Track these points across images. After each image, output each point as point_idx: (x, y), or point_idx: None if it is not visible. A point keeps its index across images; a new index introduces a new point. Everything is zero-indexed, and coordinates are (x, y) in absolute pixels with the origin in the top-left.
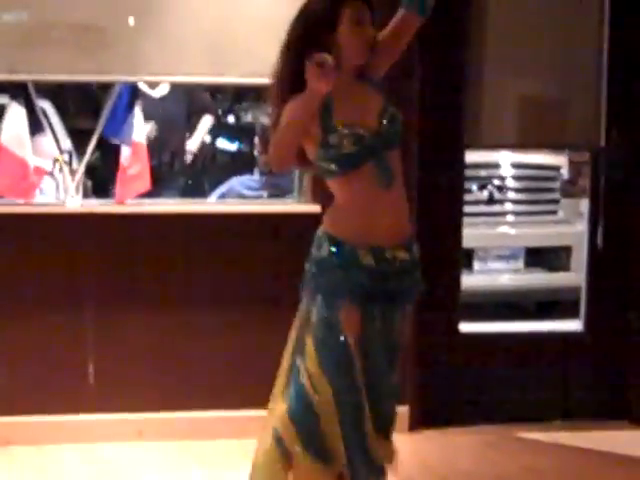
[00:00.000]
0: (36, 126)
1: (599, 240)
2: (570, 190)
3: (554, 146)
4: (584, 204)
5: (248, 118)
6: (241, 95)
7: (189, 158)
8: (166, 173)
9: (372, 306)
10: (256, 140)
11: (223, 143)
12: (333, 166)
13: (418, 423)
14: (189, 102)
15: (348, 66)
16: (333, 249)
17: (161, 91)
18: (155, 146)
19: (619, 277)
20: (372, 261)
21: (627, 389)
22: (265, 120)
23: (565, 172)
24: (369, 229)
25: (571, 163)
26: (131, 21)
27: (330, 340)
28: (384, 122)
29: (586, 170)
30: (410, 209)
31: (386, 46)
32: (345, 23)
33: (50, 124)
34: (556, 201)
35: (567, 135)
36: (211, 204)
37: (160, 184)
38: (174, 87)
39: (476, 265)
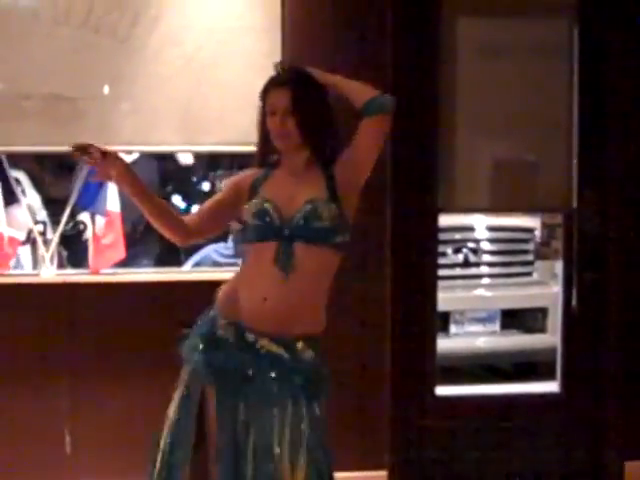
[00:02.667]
0: (10, 197)
1: (574, 301)
2: (544, 252)
3: (527, 209)
4: (559, 265)
5: (223, 186)
6: (215, 162)
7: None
8: (140, 241)
9: (225, 387)
10: None
11: None
12: (244, 235)
13: None
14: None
15: (288, 154)
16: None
17: (132, 156)
18: (128, 214)
19: (594, 338)
20: (231, 336)
21: (603, 450)
22: None
23: (539, 234)
24: (242, 304)
25: (544, 225)
26: (106, 90)
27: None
28: (298, 214)
29: (559, 232)
30: (383, 273)
31: (358, 151)
32: (266, 112)
33: (24, 195)
34: (531, 263)
35: (540, 197)
36: (186, 272)
37: (135, 253)
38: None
39: (452, 328)
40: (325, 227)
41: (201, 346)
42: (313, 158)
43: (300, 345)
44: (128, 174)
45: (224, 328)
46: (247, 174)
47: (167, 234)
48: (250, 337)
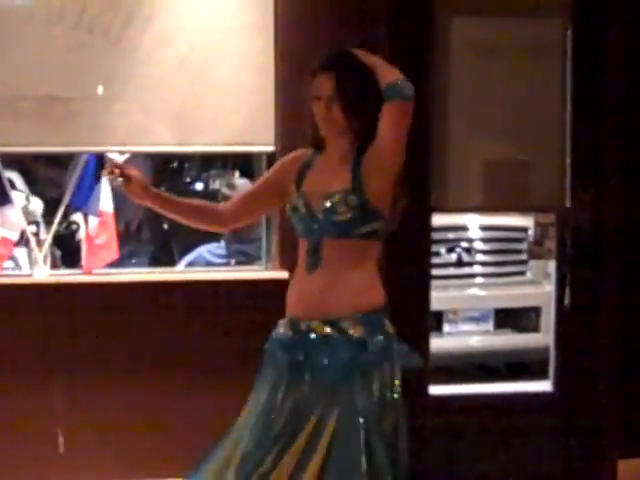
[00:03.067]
0: (3, 197)
1: (567, 300)
2: (537, 251)
3: (520, 208)
4: (552, 265)
5: (216, 185)
6: (209, 162)
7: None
8: (134, 241)
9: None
10: None
11: None
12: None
13: None
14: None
15: (329, 141)
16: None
17: (124, 157)
18: (121, 214)
19: (587, 337)
20: (289, 331)
21: (597, 449)
22: (226, 190)
23: (532, 233)
24: (291, 298)
25: (538, 224)
26: (99, 90)
27: None
28: (322, 208)
29: (553, 231)
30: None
31: (380, 138)
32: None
33: (18, 195)
34: (524, 262)
35: (533, 197)
36: (178, 272)
37: (128, 253)
38: None
39: (446, 327)
40: (344, 220)
41: (267, 347)
42: (353, 144)
43: (346, 323)
44: (147, 194)
45: (284, 326)
46: (297, 155)
47: (207, 229)
48: (303, 326)
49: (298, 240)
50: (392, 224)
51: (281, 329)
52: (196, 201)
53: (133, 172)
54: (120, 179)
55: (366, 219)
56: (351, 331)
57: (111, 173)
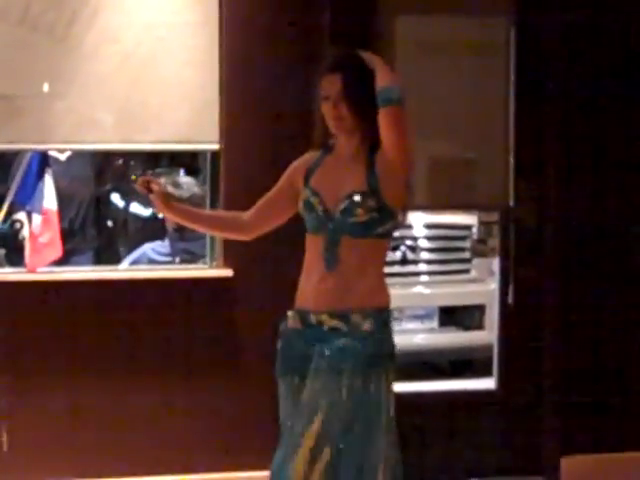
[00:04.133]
0: None
1: (510, 298)
2: (481, 249)
3: (464, 207)
4: (496, 263)
5: (162, 183)
6: (155, 159)
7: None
8: (78, 239)
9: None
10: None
11: (137, 208)
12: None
13: None
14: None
15: (340, 139)
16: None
17: (67, 153)
18: (65, 211)
19: (530, 334)
20: (298, 324)
21: (539, 446)
22: (171, 188)
23: (476, 231)
24: (303, 292)
25: (481, 223)
26: (44, 88)
27: None
28: (339, 208)
29: (496, 229)
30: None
31: (384, 145)
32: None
33: None
34: (468, 260)
35: (477, 195)
36: (122, 270)
37: (72, 250)
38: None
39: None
40: (361, 222)
41: (280, 344)
42: (364, 144)
43: (355, 317)
44: (169, 209)
45: (293, 318)
46: (304, 159)
47: (231, 237)
48: (312, 318)
49: (307, 235)
50: (402, 222)
51: (290, 321)
52: (220, 212)
53: (159, 188)
54: (146, 191)
55: (382, 220)
56: (360, 324)
57: (143, 187)
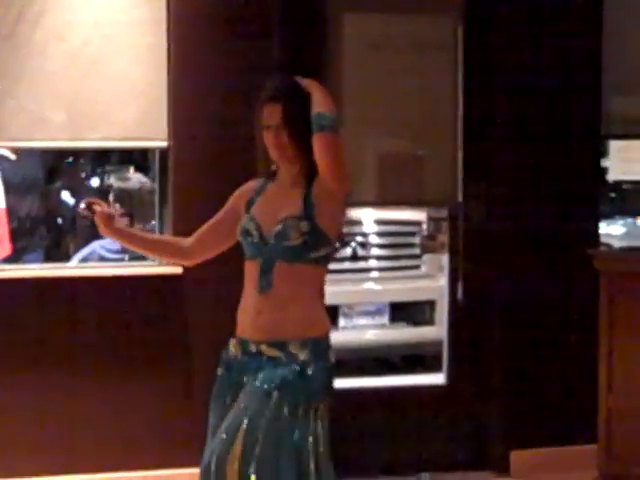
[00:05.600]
0: None
1: (459, 294)
2: (431, 245)
3: (413, 203)
4: (446, 259)
5: (111, 181)
6: (105, 157)
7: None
8: (28, 237)
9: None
10: (112, 204)
11: None
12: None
13: None
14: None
15: (281, 166)
16: None
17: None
18: (15, 209)
19: (479, 330)
20: (239, 353)
21: (489, 440)
22: (120, 183)
23: (425, 227)
24: (241, 321)
25: (431, 219)
26: None
27: None
28: (273, 233)
29: (445, 225)
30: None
31: (320, 169)
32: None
33: None
34: (418, 256)
35: (426, 191)
36: (71, 268)
37: (21, 248)
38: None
39: (341, 322)
40: (294, 246)
41: (220, 372)
42: (303, 171)
43: (293, 346)
44: (111, 230)
45: (234, 346)
46: (247, 187)
47: (171, 262)
48: (252, 348)
49: (245, 262)
50: (337, 248)
51: (232, 349)
52: (163, 237)
53: (101, 209)
54: (89, 214)
55: (316, 245)
56: (297, 354)
57: (87, 209)
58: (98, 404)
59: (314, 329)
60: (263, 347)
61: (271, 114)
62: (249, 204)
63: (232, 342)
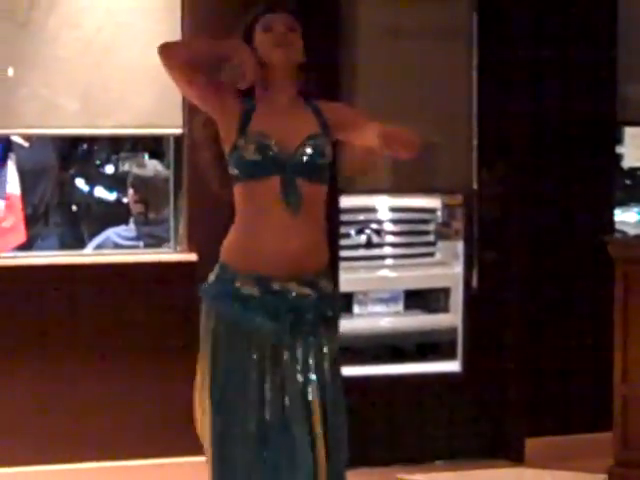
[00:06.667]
0: None
1: (474, 281)
2: (445, 232)
3: (428, 190)
4: (460, 246)
5: (126, 168)
6: (119, 144)
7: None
8: (42, 224)
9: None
10: (130, 190)
11: (101, 193)
12: (236, 171)
13: None
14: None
15: (278, 82)
16: (211, 277)
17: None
18: (29, 196)
19: (494, 317)
20: (255, 291)
21: (504, 427)
22: (136, 170)
23: (440, 215)
24: (258, 253)
25: (445, 206)
26: (5, 73)
27: None
28: (301, 149)
29: (460, 212)
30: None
31: (345, 125)
32: (257, 35)
33: None
34: (433, 243)
35: (440, 179)
36: (87, 255)
37: (36, 235)
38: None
39: (356, 309)
40: (326, 164)
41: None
42: (299, 93)
43: (323, 281)
44: None
45: (245, 284)
46: (235, 96)
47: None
48: (276, 286)
49: (244, 186)
50: None
51: (246, 287)
52: None
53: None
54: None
55: (332, 165)
56: (324, 288)
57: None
58: (112, 391)
59: (325, 257)
60: (292, 285)
61: (280, 17)
62: (243, 117)
63: (239, 280)
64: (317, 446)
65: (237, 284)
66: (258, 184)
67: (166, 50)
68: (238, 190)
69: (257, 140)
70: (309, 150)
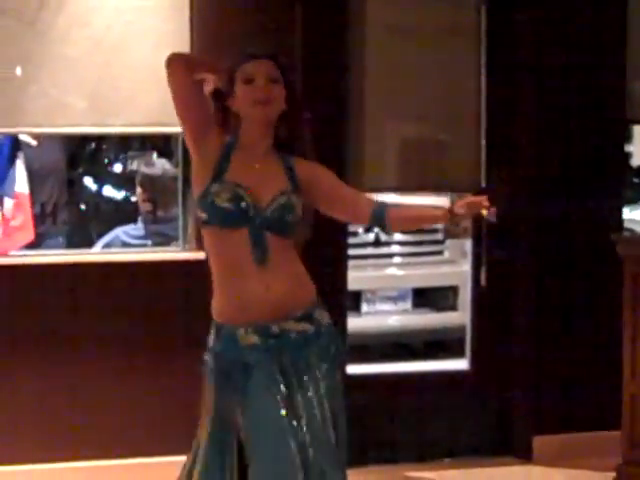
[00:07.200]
0: None
1: (482, 279)
2: (453, 231)
3: (436, 188)
4: (469, 244)
5: (134, 166)
6: (128, 143)
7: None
8: (50, 222)
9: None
10: (138, 189)
11: (110, 191)
12: (205, 216)
13: None
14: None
15: (256, 134)
16: (210, 340)
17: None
18: (37, 195)
19: (502, 315)
20: (256, 339)
21: (511, 425)
22: (145, 169)
23: None
24: (244, 304)
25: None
26: (14, 71)
27: None
28: (273, 204)
29: None
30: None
31: (328, 192)
32: (238, 85)
33: None
34: (441, 242)
35: (449, 177)
36: (95, 253)
37: (44, 234)
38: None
39: (364, 307)
40: (294, 221)
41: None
42: (273, 143)
43: (317, 312)
44: None
45: (247, 336)
46: (219, 141)
47: (181, 69)
48: (275, 329)
49: (212, 232)
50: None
51: (247, 340)
52: None
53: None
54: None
55: (300, 221)
56: (320, 319)
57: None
58: (120, 389)
59: (314, 293)
60: (290, 324)
61: (261, 65)
62: (221, 160)
63: (241, 333)
64: None
65: (242, 341)
66: (226, 233)
67: (169, 58)
68: (206, 233)
69: (232, 189)
70: (280, 206)
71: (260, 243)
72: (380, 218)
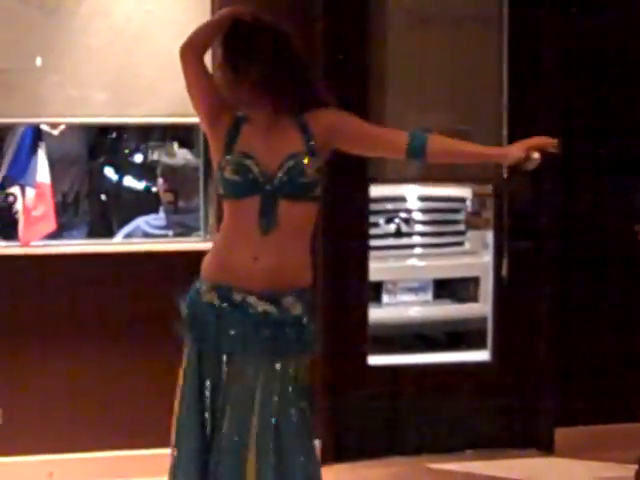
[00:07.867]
0: None
1: (504, 270)
2: (475, 222)
3: (458, 179)
4: (490, 235)
5: (155, 157)
6: (148, 133)
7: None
8: (72, 213)
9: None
10: (159, 180)
11: (130, 182)
12: (220, 189)
13: (328, 457)
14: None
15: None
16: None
17: (60, 128)
18: (59, 185)
19: (524, 306)
20: (215, 299)
21: (534, 417)
22: (166, 159)
23: (470, 204)
24: (226, 266)
25: (475, 195)
26: (36, 61)
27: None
28: (280, 169)
29: (490, 202)
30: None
31: (362, 136)
32: None
33: None
34: (462, 233)
35: (470, 168)
36: (117, 243)
37: (66, 224)
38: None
39: (385, 298)
40: (308, 182)
41: (186, 312)
42: (281, 112)
43: (289, 300)
44: None
45: (207, 292)
46: (228, 111)
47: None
48: (237, 297)
49: (228, 203)
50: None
51: (206, 295)
52: None
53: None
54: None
55: (319, 182)
56: (290, 308)
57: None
58: (143, 379)
59: (306, 277)
60: (252, 299)
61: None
62: (231, 132)
63: (203, 288)
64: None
65: (201, 291)
66: (240, 203)
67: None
68: (226, 206)
69: (238, 161)
70: (289, 169)
71: (268, 211)
72: (419, 147)
